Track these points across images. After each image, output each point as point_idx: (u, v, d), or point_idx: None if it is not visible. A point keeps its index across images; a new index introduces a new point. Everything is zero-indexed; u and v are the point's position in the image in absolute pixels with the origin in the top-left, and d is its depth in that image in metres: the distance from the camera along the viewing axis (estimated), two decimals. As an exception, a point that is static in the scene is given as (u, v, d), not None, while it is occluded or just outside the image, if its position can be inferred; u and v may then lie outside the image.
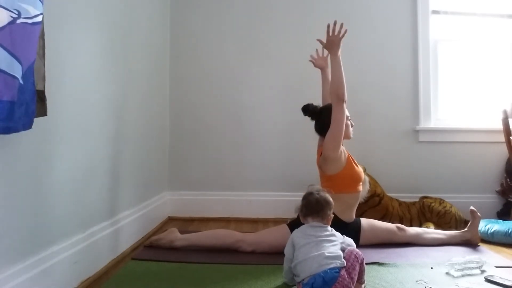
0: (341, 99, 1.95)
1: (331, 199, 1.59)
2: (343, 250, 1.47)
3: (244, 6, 3.02)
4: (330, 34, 2.02)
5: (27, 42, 1.06)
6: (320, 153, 2.07)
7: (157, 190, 2.70)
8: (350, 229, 1.98)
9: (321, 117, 2.10)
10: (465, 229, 2.20)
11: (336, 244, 1.48)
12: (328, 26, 2.01)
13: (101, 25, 1.78)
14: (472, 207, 2.21)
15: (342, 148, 2.05)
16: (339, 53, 2.01)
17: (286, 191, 2.86)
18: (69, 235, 1.49)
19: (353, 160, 2.11)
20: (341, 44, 2.00)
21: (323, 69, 2.25)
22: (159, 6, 2.77)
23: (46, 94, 1.28)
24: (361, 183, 2.11)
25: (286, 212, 2.73)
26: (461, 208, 2.63)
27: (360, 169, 2.12)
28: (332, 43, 2.01)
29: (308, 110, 2.17)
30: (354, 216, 2.10)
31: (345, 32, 1.99)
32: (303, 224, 1.58)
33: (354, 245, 1.61)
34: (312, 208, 1.55)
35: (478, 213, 2.17)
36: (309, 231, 1.51)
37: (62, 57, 1.43)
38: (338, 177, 2.02)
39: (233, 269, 1.72)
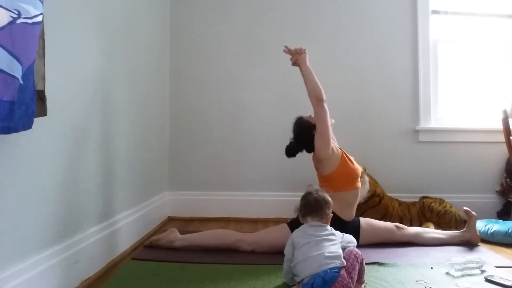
0: (320, 99, 2.01)
1: (329, 198, 1.59)
2: (343, 248, 1.47)
3: (244, 6, 3.02)
4: (289, 55, 2.13)
5: (27, 42, 1.06)
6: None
7: (157, 190, 2.70)
8: (349, 228, 1.98)
9: (303, 141, 2.11)
10: (464, 229, 2.20)
11: (336, 243, 1.48)
12: (285, 51, 2.14)
13: (101, 25, 1.78)
14: (465, 207, 2.22)
15: (334, 145, 2.06)
16: (308, 63, 2.09)
17: (286, 191, 2.86)
18: (69, 235, 1.49)
19: (347, 157, 2.11)
20: (306, 57, 2.10)
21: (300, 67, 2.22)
22: (159, 6, 2.77)
23: (46, 94, 1.28)
24: (358, 179, 2.12)
25: (286, 212, 2.73)
26: (461, 208, 2.62)
27: (356, 165, 2.12)
28: (295, 61, 2.12)
29: (291, 151, 2.14)
30: (353, 214, 2.10)
31: (304, 50, 2.10)
32: (303, 224, 1.57)
33: (355, 241, 1.61)
34: (311, 208, 1.55)
35: (473, 212, 2.18)
36: (309, 230, 1.51)
37: (62, 57, 1.44)
38: (334, 175, 2.03)
39: (233, 269, 1.72)
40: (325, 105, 2.02)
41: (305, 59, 2.09)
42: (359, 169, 2.14)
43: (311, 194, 1.58)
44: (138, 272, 1.68)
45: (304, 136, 2.09)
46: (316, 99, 2.01)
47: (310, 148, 2.10)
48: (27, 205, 1.25)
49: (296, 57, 2.11)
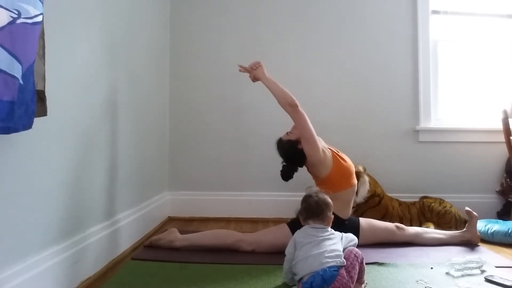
0: (294, 105, 1.98)
1: (330, 200, 1.59)
2: (345, 248, 1.48)
3: (244, 6, 3.02)
4: (249, 72, 2.11)
5: (27, 42, 1.06)
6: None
7: (157, 190, 2.70)
8: (349, 228, 1.98)
9: (295, 160, 2.09)
10: (464, 229, 2.20)
11: (337, 242, 1.48)
12: (241, 70, 2.14)
13: (101, 25, 1.78)
14: (467, 208, 2.21)
15: (323, 146, 2.05)
16: (267, 75, 2.08)
17: (286, 191, 2.85)
18: (69, 235, 1.49)
19: (339, 155, 2.10)
20: (264, 69, 2.09)
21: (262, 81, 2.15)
22: (159, 6, 2.77)
23: (46, 94, 1.28)
24: (354, 175, 2.11)
25: (286, 212, 2.74)
26: (461, 208, 2.62)
27: (349, 162, 2.11)
28: (254, 76, 2.10)
29: (287, 174, 2.11)
30: (350, 212, 2.11)
31: (259, 63, 2.10)
32: (303, 225, 1.58)
33: (356, 239, 1.61)
34: (313, 211, 1.55)
35: (474, 213, 2.18)
36: (310, 231, 1.51)
37: (62, 57, 1.44)
38: (331, 177, 2.02)
39: (233, 269, 1.72)
40: (301, 109, 1.99)
41: (264, 72, 2.07)
42: (352, 165, 2.13)
43: (311, 197, 1.58)
44: (138, 272, 1.68)
45: (294, 155, 2.06)
46: (290, 107, 1.98)
47: (302, 163, 2.09)
48: (27, 205, 1.25)
49: (253, 73, 2.08)
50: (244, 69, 2.13)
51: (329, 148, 2.10)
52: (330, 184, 2.01)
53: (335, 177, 2.03)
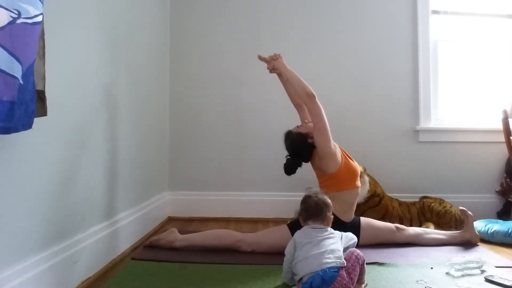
0: (311, 96, 1.97)
1: (329, 201, 1.59)
2: (346, 248, 1.48)
3: (244, 6, 3.02)
4: (267, 63, 2.12)
5: (27, 42, 1.06)
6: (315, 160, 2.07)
7: (157, 190, 2.70)
8: (349, 228, 1.97)
9: (301, 155, 2.06)
10: (463, 229, 2.20)
11: (337, 241, 1.48)
12: (260, 58, 2.16)
13: (101, 25, 1.78)
14: (461, 207, 2.21)
15: (334, 142, 2.05)
16: (288, 67, 2.08)
17: (286, 191, 2.86)
18: (68, 235, 1.49)
19: (347, 154, 2.11)
20: (283, 60, 2.11)
21: (279, 74, 2.18)
22: (159, 6, 2.77)
23: (46, 94, 1.28)
24: (359, 177, 2.11)
25: (286, 212, 2.74)
26: (461, 208, 2.63)
27: (355, 163, 2.12)
28: (274, 67, 2.11)
29: (291, 168, 2.07)
30: (353, 215, 2.10)
31: (279, 54, 2.11)
32: (303, 225, 1.58)
33: (355, 238, 1.61)
34: (312, 211, 1.55)
35: (469, 212, 2.17)
36: (310, 231, 1.51)
37: (62, 57, 1.44)
38: (338, 174, 2.02)
39: (233, 269, 1.72)
40: (318, 101, 1.98)
41: (284, 62, 2.08)
42: (359, 167, 2.13)
43: (311, 198, 1.58)
44: (138, 272, 1.68)
45: (302, 149, 2.04)
46: (308, 96, 1.97)
47: (308, 158, 2.08)
48: (27, 205, 1.25)
49: (273, 63, 2.08)
50: (263, 59, 2.13)
51: (339, 147, 2.10)
52: (336, 181, 2.00)
53: (343, 175, 2.02)
